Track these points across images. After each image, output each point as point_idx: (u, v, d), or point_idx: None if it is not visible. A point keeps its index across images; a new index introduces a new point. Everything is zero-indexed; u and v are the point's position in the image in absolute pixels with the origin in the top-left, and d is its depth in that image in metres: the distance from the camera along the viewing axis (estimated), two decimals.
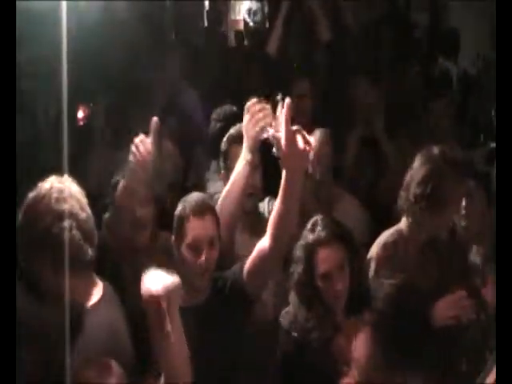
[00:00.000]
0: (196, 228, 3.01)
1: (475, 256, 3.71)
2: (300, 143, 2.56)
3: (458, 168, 3.42)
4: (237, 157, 3.37)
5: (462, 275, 3.45)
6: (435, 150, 3.45)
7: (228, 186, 3.33)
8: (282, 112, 2.56)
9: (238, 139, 3.48)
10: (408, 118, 5.46)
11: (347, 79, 5.33)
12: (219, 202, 3.31)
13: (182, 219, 3.04)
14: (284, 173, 2.69)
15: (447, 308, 3.15)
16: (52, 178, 2.86)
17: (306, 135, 2.58)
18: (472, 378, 2.89)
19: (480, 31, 6.83)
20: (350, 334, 3.00)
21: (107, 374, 2.63)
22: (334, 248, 3.12)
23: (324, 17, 5.31)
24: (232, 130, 3.66)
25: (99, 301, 2.94)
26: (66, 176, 2.87)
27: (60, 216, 2.73)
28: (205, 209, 3.05)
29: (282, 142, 2.56)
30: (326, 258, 3.11)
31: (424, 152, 3.48)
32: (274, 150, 2.65)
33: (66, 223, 2.73)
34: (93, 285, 2.97)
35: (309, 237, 3.16)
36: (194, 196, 3.12)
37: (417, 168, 3.44)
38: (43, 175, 2.88)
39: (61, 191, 2.79)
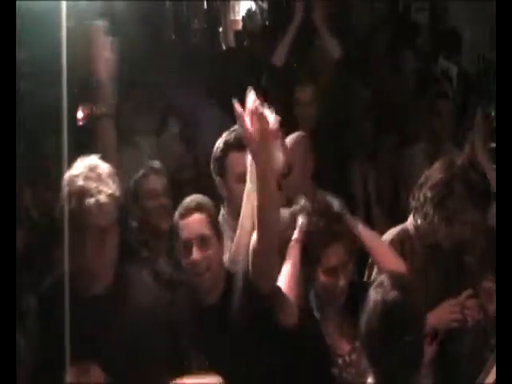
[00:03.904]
0: (183, 229, 3.02)
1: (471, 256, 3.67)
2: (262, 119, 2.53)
3: (474, 191, 3.30)
4: (235, 165, 3.24)
5: (464, 282, 3.38)
6: (458, 160, 3.37)
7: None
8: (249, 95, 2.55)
9: (236, 145, 3.25)
10: (407, 118, 5.47)
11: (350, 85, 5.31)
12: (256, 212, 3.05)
13: (176, 223, 3.05)
14: (253, 162, 2.66)
15: (451, 311, 3.14)
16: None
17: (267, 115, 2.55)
18: (472, 378, 2.89)
19: (480, 31, 6.84)
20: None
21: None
22: None
23: (333, 35, 5.18)
24: (228, 137, 3.34)
25: None
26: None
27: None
28: (191, 209, 3.02)
29: (247, 121, 2.54)
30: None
31: (447, 158, 3.43)
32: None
33: None
34: None
35: None
36: (186, 200, 3.09)
37: (435, 171, 3.36)
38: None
39: None
